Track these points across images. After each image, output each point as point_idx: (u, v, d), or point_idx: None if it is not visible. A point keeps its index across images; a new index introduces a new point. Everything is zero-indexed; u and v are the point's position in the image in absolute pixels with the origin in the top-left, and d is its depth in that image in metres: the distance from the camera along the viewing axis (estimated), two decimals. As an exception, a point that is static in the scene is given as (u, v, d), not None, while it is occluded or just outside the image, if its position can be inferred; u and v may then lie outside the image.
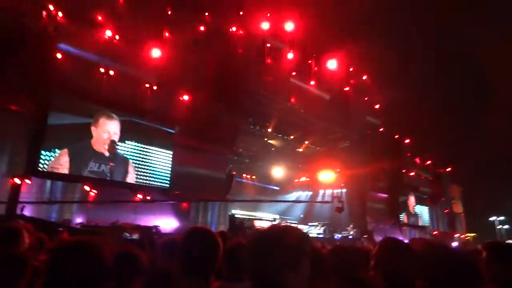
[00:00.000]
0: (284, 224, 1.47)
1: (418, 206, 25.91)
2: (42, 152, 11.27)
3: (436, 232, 25.83)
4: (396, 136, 23.91)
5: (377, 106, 22.19)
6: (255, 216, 20.55)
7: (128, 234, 8.52)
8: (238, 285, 2.16)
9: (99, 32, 12.11)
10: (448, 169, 28.35)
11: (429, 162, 26.64)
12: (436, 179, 27.48)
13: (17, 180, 9.94)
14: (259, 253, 1.25)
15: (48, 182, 11.54)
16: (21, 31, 9.89)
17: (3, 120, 9.62)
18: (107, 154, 12.61)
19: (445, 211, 28.80)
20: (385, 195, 22.94)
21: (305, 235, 1.46)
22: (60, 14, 11.08)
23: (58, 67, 11.32)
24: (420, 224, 25.53)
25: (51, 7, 10.75)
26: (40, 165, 11.24)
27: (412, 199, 25.25)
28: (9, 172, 10.15)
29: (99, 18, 12.17)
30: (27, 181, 10.29)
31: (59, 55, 11.41)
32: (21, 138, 10.54)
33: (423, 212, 26.72)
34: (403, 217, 23.74)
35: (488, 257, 2.32)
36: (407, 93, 21.42)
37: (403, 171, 24.24)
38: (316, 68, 19.42)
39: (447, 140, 24.51)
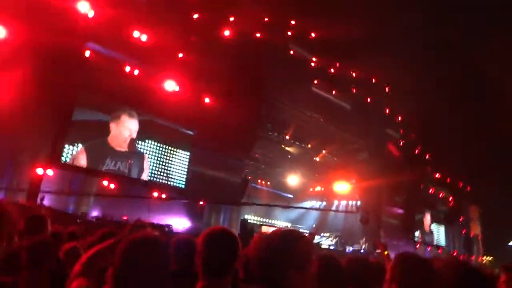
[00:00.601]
0: (287, 228, 1.50)
1: (434, 224, 25.29)
2: (65, 145, 11.64)
3: (453, 253, 25.12)
4: (416, 151, 23.47)
5: (398, 119, 21.92)
6: (267, 223, 20.52)
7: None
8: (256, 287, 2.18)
9: (126, 32, 12.42)
10: (468, 189, 27.59)
11: (448, 179, 26.00)
12: (455, 198, 26.78)
13: (39, 170, 10.24)
14: (266, 255, 1.28)
15: (68, 175, 11.85)
16: (51, 28, 10.23)
17: (31, 113, 9.94)
18: (125, 150, 12.89)
19: (463, 232, 28.00)
20: (400, 211, 22.50)
21: (309, 238, 1.50)
22: (90, 13, 11.42)
23: (86, 65, 11.66)
24: (435, 243, 24.90)
25: (81, 7, 11.07)
26: (62, 158, 11.59)
27: (428, 217, 24.68)
28: (33, 162, 10.47)
29: (127, 18, 12.47)
30: (49, 172, 10.58)
31: (87, 53, 11.76)
32: (46, 131, 10.87)
33: (439, 231, 26.06)
34: (418, 234, 23.22)
35: (508, 279, 2.27)
36: (429, 107, 21.03)
37: (421, 186, 23.75)
38: (338, 77, 19.35)
39: (469, 158, 23.87)
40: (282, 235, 1.38)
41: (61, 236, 3.50)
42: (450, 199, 26.62)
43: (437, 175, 25.01)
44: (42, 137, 10.81)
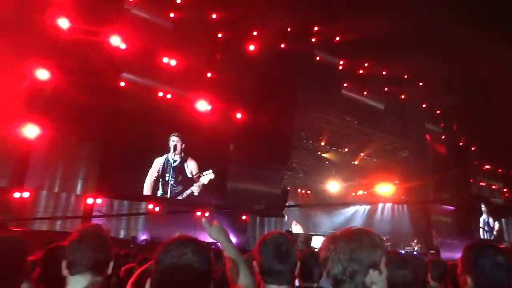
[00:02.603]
0: (357, 227, 1.45)
1: (491, 219, 23.77)
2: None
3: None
4: (460, 143, 22.35)
5: (437, 112, 21.06)
6: (313, 233, 20.18)
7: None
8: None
9: (156, 59, 12.95)
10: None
11: (500, 169, 24.44)
12: (511, 188, 25.06)
13: (90, 200, 10.77)
14: (342, 255, 1.25)
15: (115, 202, 12.39)
16: (89, 64, 10.87)
17: (78, 148, 10.57)
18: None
19: (524, 223, 26.06)
20: (451, 208, 21.37)
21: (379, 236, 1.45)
22: (122, 46, 12.01)
23: (122, 95, 12.23)
24: (494, 239, 23.33)
25: (113, 41, 11.67)
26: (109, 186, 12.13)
27: (483, 211, 23.25)
28: (83, 192, 11.04)
29: (155, 45, 13.01)
30: (98, 200, 11.10)
31: (122, 84, 12.36)
32: (92, 163, 11.44)
33: (497, 226, 24.43)
34: (475, 231, 21.89)
35: None
36: (469, 95, 20.01)
37: (471, 180, 22.48)
38: (368, 78, 19.01)
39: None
40: (358, 233, 1.37)
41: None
42: (505, 190, 24.97)
43: (486, 166, 23.61)
44: (90, 167, 11.38)
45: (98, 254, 1.62)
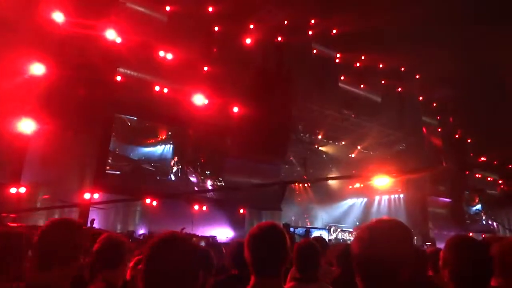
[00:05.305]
0: (389, 218, 1.38)
1: (486, 210, 23.96)
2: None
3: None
4: (456, 136, 22.44)
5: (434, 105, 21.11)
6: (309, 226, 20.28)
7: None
8: (313, 286, 2.15)
9: (152, 53, 12.85)
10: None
11: (495, 162, 24.58)
12: (507, 180, 25.22)
13: (87, 195, 10.75)
14: (378, 251, 1.22)
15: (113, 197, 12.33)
16: (84, 59, 10.77)
17: (75, 142, 10.51)
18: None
19: (519, 215, 26.28)
20: (447, 200, 21.52)
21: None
22: (118, 40, 11.90)
23: (118, 89, 12.15)
24: (489, 229, 23.55)
25: (109, 35, 11.55)
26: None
27: (479, 203, 23.44)
28: (80, 187, 11.01)
29: (152, 40, 12.90)
30: (96, 195, 11.07)
31: (118, 78, 12.27)
32: (89, 157, 11.40)
33: (492, 217, 24.62)
34: (469, 222, 22.09)
35: None
36: (465, 88, 20.00)
37: (467, 173, 22.63)
38: (365, 71, 18.97)
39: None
40: (397, 228, 1.31)
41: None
42: (500, 182, 25.15)
43: (482, 159, 23.73)
44: (86, 162, 11.34)
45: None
